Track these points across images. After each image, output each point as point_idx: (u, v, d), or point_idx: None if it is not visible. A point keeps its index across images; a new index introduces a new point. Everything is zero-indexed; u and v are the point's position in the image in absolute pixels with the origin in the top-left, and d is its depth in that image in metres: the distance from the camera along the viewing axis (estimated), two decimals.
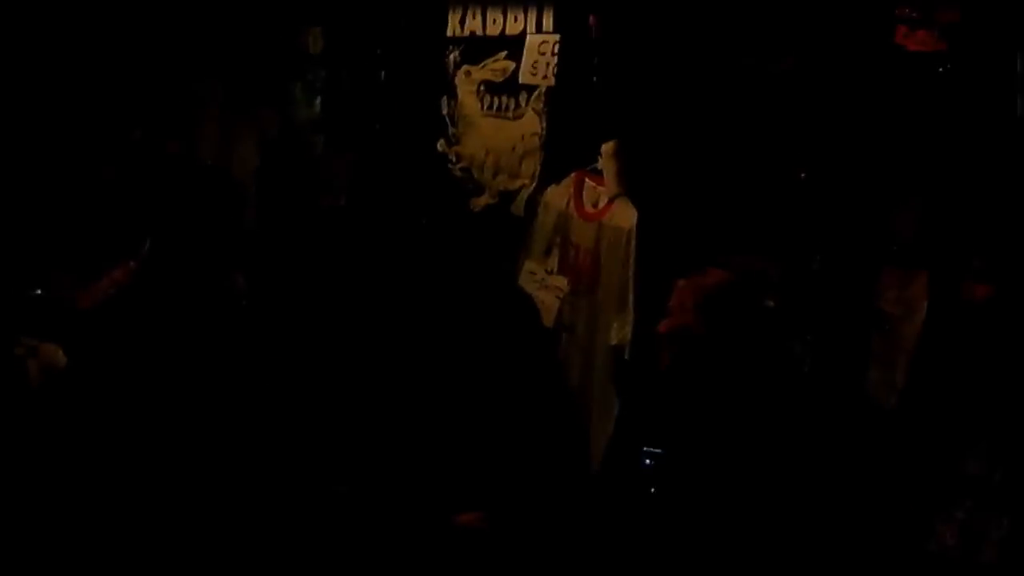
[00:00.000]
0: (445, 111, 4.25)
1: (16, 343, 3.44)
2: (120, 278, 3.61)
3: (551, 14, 3.94)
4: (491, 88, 4.11)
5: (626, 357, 3.70)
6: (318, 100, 4.54)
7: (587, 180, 3.82)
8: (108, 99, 4.23)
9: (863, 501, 3.18)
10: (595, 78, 3.82)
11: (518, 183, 4.04)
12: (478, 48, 4.15)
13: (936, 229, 3.28)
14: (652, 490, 2.99)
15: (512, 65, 4.03)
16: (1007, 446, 3.09)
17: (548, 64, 3.92)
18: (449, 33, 4.18)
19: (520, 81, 4.01)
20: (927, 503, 3.18)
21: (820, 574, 3.06)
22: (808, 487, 3.08)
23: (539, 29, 3.97)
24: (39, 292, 3.65)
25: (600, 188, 3.78)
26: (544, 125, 3.97)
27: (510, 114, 4.05)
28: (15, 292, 3.61)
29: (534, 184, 4.00)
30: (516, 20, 4.02)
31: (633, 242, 3.70)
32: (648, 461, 2.99)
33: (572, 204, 3.84)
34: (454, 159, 4.20)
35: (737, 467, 3.02)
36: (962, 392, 3.18)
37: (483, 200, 4.09)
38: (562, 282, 3.85)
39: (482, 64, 4.11)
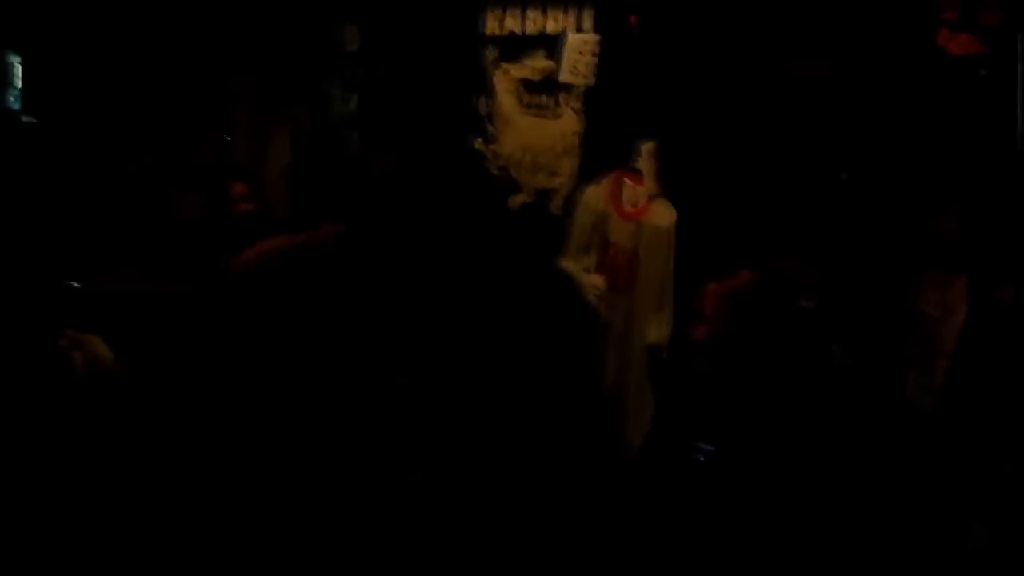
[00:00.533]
0: (483, 110, 4.26)
1: (60, 335, 3.46)
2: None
3: (591, 15, 3.97)
4: (529, 87, 4.13)
5: (664, 356, 3.74)
6: (355, 97, 4.55)
7: (626, 180, 3.86)
8: (142, 98, 4.27)
9: (900, 500, 3.21)
10: (635, 79, 3.85)
11: (557, 182, 4.06)
12: (516, 47, 4.16)
13: (978, 233, 3.31)
14: (704, 486, 3.02)
15: (552, 64, 4.05)
16: None
17: (588, 64, 3.95)
18: (488, 32, 4.19)
19: (561, 80, 4.02)
20: (964, 503, 3.21)
21: (854, 571, 3.09)
22: (846, 486, 3.11)
23: (579, 29, 4.00)
24: (77, 285, 3.67)
25: (639, 188, 3.82)
26: (583, 124, 4.00)
27: (549, 113, 4.07)
28: (57, 285, 3.64)
29: (573, 183, 4.03)
30: (556, 20, 4.04)
31: (672, 242, 3.74)
32: (701, 457, 3.02)
33: (611, 203, 3.87)
34: (491, 157, 4.22)
35: (778, 464, 3.05)
36: (1000, 394, 3.20)
37: (521, 198, 4.11)
38: (600, 280, 3.88)
39: (521, 63, 4.13)
